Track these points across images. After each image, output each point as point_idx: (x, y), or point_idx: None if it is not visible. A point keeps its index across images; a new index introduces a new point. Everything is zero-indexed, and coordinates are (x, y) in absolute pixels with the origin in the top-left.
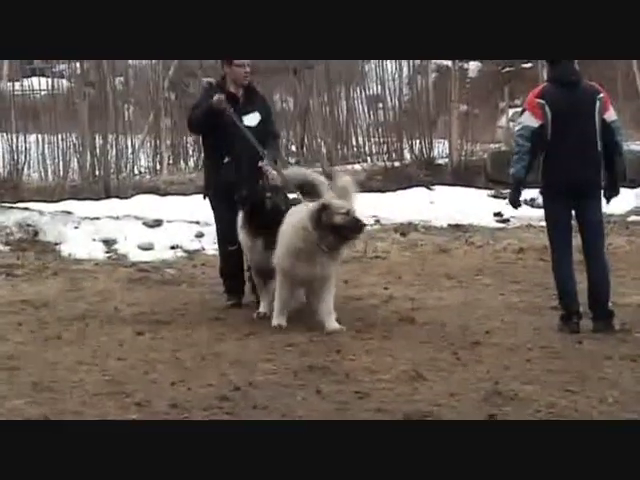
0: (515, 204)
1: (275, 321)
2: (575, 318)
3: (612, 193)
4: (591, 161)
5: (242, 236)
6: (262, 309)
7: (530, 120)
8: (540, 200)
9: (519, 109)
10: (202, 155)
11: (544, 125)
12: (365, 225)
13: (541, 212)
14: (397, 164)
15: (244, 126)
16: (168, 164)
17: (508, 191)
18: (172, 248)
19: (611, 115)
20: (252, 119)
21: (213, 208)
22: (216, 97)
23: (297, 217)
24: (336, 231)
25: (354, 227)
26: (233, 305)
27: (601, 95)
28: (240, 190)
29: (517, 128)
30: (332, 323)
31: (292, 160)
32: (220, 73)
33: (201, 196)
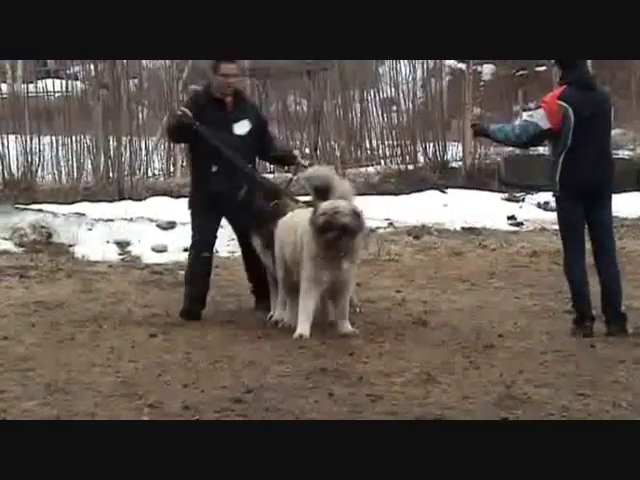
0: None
1: (299, 330)
2: (588, 321)
3: None
4: (607, 163)
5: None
6: (276, 315)
7: (542, 120)
8: (553, 204)
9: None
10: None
11: (552, 130)
12: (337, 223)
13: (554, 215)
14: (411, 167)
15: (219, 140)
16: (181, 166)
17: (521, 194)
18: (185, 250)
19: None
20: (241, 127)
21: (194, 215)
22: (180, 111)
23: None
24: (322, 233)
25: (327, 227)
26: (189, 316)
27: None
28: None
29: (527, 117)
30: (346, 325)
31: (306, 162)
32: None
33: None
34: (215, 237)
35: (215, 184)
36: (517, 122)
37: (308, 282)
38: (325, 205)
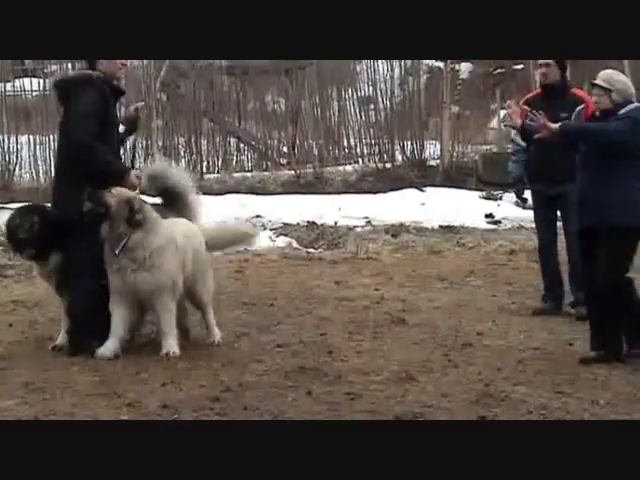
0: None
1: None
2: None
3: None
4: None
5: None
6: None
7: None
8: (531, 202)
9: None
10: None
11: None
12: (102, 201)
13: (532, 213)
14: (388, 165)
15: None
16: None
17: (499, 192)
18: None
19: None
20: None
21: (85, 233)
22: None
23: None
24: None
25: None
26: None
27: None
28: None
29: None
30: (166, 344)
31: (284, 161)
32: (210, 76)
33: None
34: None
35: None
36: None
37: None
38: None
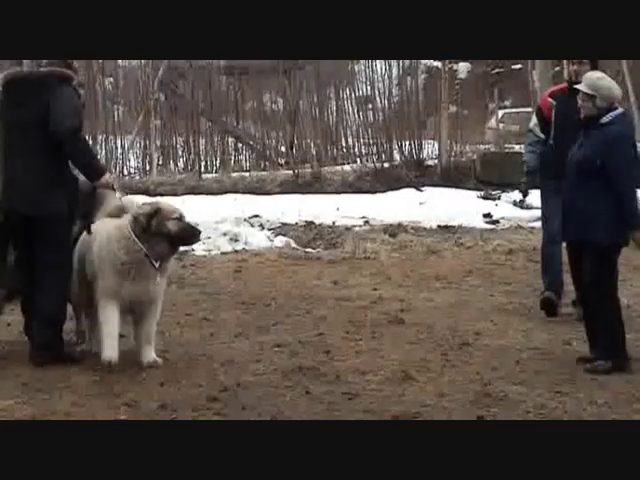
0: None
1: (105, 355)
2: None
3: None
4: None
5: None
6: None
7: None
8: (529, 201)
9: (508, 110)
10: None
11: None
12: (201, 232)
13: (530, 213)
14: (387, 165)
15: None
16: (158, 165)
17: (497, 192)
18: None
19: None
20: None
21: (63, 233)
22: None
23: (113, 227)
24: (167, 239)
25: (189, 234)
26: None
27: None
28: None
29: None
30: (149, 354)
31: (282, 161)
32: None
33: (180, 199)
34: None
35: (76, 188)
36: None
37: (106, 298)
38: (173, 208)
